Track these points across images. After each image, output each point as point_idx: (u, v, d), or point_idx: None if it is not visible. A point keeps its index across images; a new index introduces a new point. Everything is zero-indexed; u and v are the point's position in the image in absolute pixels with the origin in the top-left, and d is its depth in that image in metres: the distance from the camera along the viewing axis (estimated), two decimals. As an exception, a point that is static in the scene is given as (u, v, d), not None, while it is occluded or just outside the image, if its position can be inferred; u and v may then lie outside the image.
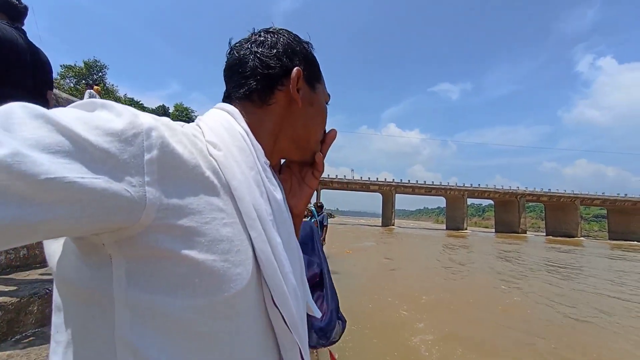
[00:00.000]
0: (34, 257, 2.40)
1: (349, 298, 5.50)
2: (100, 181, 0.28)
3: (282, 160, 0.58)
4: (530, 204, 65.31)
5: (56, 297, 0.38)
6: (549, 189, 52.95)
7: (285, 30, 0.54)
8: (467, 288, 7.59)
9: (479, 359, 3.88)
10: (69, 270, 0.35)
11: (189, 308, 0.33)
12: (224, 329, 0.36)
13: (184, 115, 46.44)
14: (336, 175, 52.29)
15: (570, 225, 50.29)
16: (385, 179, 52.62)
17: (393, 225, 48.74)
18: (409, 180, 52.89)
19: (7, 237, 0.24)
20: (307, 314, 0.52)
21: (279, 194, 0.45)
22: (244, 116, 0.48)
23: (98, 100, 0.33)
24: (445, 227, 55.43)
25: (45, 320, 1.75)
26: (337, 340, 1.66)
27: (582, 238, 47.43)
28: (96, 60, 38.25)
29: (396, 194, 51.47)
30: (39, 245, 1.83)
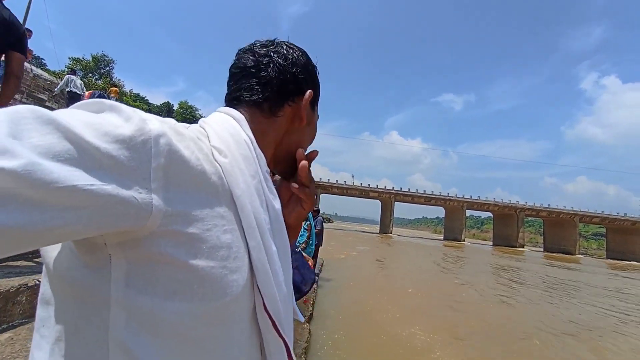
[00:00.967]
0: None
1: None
2: (109, 188, 0.28)
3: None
4: (529, 218, 65.10)
5: (45, 290, 0.37)
6: (549, 205, 52.93)
7: (304, 51, 0.56)
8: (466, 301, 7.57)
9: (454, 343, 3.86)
10: (63, 267, 0.35)
11: (185, 313, 0.33)
12: (217, 335, 0.36)
13: (188, 113, 46.66)
14: (336, 180, 52.27)
15: (568, 242, 50.09)
16: (385, 186, 52.67)
17: (391, 233, 48.59)
18: (408, 189, 52.89)
19: (17, 243, 0.24)
20: None
21: (277, 204, 0.46)
22: (249, 123, 0.48)
23: (106, 101, 0.33)
24: (442, 238, 55.19)
25: (32, 311, 1.76)
26: (308, 291, 1.76)
27: (580, 255, 47.22)
28: (104, 55, 38.59)
29: (395, 202, 51.43)
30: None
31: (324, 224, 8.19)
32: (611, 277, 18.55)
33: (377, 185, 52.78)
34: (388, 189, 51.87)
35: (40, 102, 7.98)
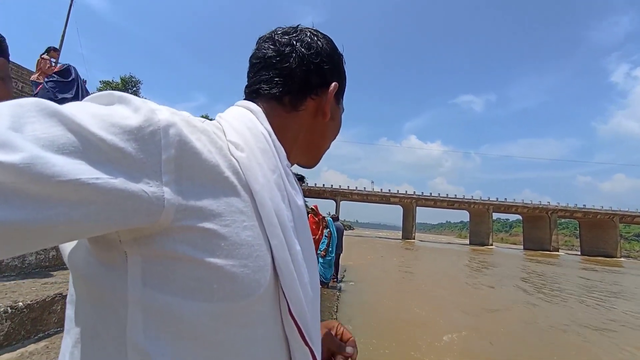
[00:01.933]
0: (62, 258, 2.52)
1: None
2: (117, 182, 0.27)
3: None
4: (562, 220, 61.48)
5: (70, 289, 0.37)
6: (584, 205, 49.93)
7: (329, 38, 0.53)
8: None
9: None
10: (80, 265, 0.35)
11: (205, 313, 0.32)
12: (239, 338, 0.34)
13: (209, 126, 48.07)
14: (356, 187, 51.98)
15: (608, 244, 46.72)
16: (406, 192, 51.79)
17: (413, 238, 47.38)
18: (430, 193, 51.74)
19: (22, 241, 0.24)
20: None
21: (300, 199, 0.44)
22: (268, 117, 0.46)
23: (116, 93, 0.32)
24: (468, 242, 53.16)
25: (67, 320, 1.81)
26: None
27: (622, 259, 43.82)
28: (131, 76, 40.76)
29: (417, 207, 50.29)
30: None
31: (344, 231, 8.10)
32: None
33: (398, 191, 52.08)
34: (409, 194, 50.96)
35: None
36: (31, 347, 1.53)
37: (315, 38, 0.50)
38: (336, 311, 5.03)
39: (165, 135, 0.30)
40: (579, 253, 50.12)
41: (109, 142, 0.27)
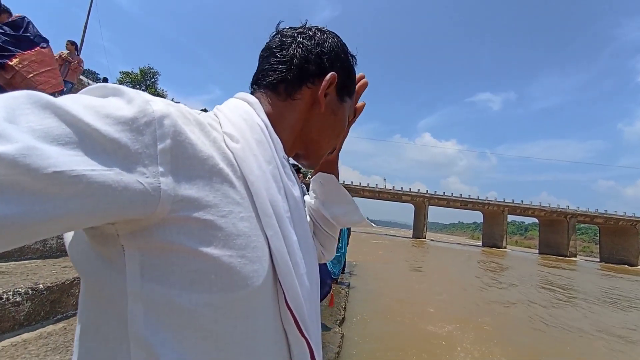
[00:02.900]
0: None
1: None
2: (112, 173, 0.26)
3: None
4: (581, 225, 59.33)
5: (80, 287, 0.37)
6: (605, 210, 48.10)
7: (337, 36, 0.53)
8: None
9: None
10: (80, 259, 0.35)
11: (204, 304, 0.32)
12: (239, 329, 0.34)
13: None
14: (367, 184, 51.86)
15: (629, 252, 44.85)
16: (419, 190, 51.06)
17: (424, 238, 46.80)
18: (443, 193, 50.92)
19: (17, 234, 0.23)
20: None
21: (297, 191, 0.44)
22: (264, 107, 0.46)
23: (110, 85, 0.32)
24: (481, 244, 52.10)
25: (84, 303, 1.87)
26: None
27: (644, 267, 42.01)
28: (150, 68, 41.66)
29: (429, 206, 49.56)
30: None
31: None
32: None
33: (410, 189, 51.36)
34: (422, 193, 50.22)
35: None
36: (49, 328, 1.59)
37: (319, 33, 0.50)
38: (344, 308, 5.03)
39: (160, 126, 0.30)
40: (598, 260, 48.41)
41: (103, 133, 0.27)
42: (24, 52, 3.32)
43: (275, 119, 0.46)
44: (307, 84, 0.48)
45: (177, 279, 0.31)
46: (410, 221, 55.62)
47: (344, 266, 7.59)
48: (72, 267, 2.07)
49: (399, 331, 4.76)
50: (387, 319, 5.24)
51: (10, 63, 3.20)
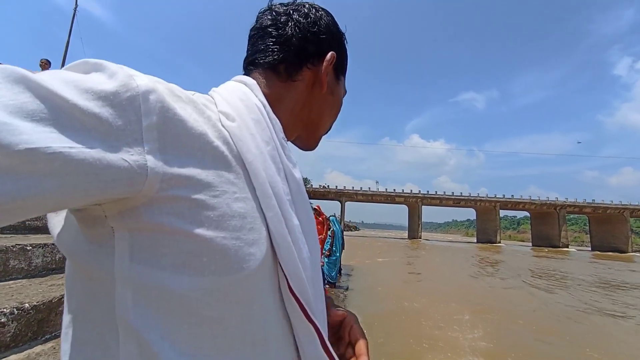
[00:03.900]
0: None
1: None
2: (93, 151, 0.25)
3: None
4: (571, 215, 60.61)
5: (66, 271, 0.36)
6: (593, 200, 49.50)
7: (328, 12, 0.52)
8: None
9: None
10: (68, 242, 0.34)
11: (196, 288, 0.30)
12: (234, 314, 0.33)
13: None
14: (360, 188, 51.83)
15: (619, 239, 45.93)
16: (411, 191, 51.55)
17: (420, 238, 46.99)
18: (435, 192, 51.55)
19: None
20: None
21: (297, 173, 0.42)
22: (262, 88, 0.45)
23: (91, 60, 0.30)
24: (475, 240, 52.60)
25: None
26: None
27: (634, 253, 42.94)
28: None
29: (423, 206, 49.96)
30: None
31: (344, 231, 8.02)
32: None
33: (403, 190, 51.81)
34: (414, 193, 50.65)
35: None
36: (38, 349, 1.52)
37: (314, 10, 0.49)
38: (344, 311, 4.97)
39: (145, 101, 0.28)
40: (590, 249, 49.33)
41: (82, 108, 0.25)
42: None
43: (274, 100, 0.45)
44: (308, 65, 0.47)
45: (167, 262, 0.29)
46: (405, 222, 55.87)
47: (340, 270, 7.55)
48: (59, 285, 2.00)
49: (399, 331, 4.73)
50: (387, 319, 5.22)
51: None
